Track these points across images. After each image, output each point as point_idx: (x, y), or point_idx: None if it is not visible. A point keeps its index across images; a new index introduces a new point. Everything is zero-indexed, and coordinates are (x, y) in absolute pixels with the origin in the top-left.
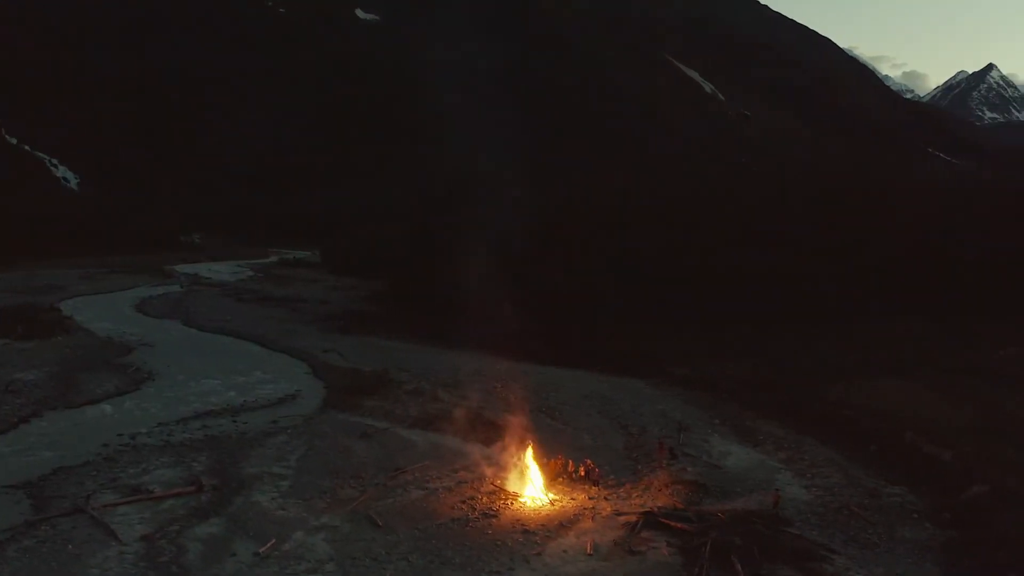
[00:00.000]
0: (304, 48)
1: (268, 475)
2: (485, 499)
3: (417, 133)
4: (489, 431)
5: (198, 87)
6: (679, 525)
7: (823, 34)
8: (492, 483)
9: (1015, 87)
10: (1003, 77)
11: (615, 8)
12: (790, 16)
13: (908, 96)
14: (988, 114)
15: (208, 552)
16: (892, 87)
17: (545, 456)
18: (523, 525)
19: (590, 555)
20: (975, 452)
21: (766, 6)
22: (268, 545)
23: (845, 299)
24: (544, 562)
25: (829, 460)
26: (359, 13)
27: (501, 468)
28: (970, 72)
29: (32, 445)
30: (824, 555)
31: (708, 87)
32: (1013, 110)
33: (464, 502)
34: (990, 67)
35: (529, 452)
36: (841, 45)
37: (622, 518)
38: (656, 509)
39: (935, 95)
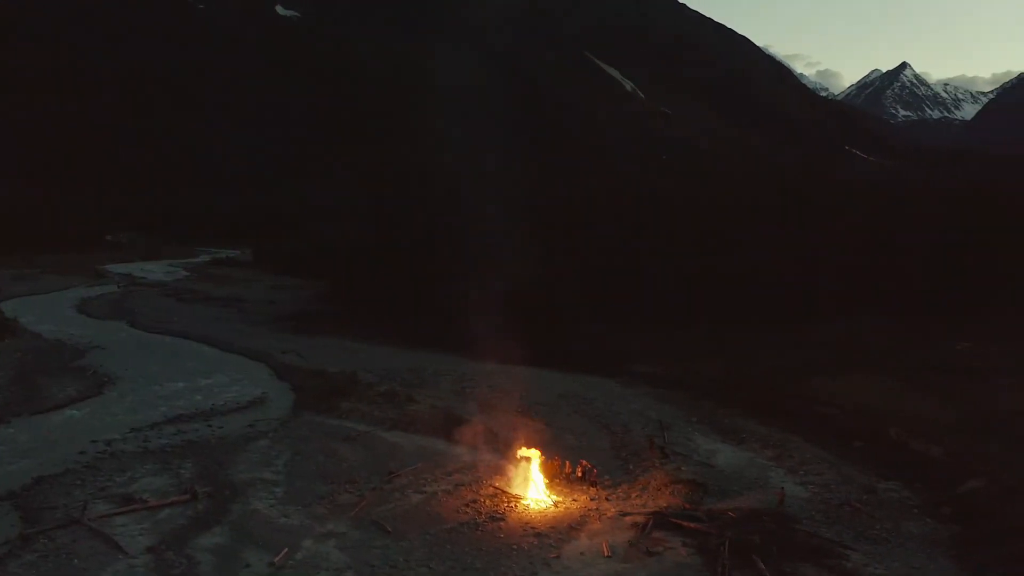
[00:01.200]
0: (225, 45)
1: (260, 481)
2: (488, 502)
3: (344, 132)
4: (471, 432)
5: (120, 86)
6: (691, 525)
7: (740, 32)
8: (493, 485)
9: (928, 85)
10: (916, 76)
11: (534, 6)
12: (708, 15)
13: (823, 94)
14: (902, 112)
15: (220, 563)
16: (808, 85)
17: (539, 458)
18: (533, 528)
19: (608, 557)
20: (964, 448)
21: (684, 5)
22: (281, 555)
23: (798, 298)
24: (564, 565)
25: (818, 457)
26: (279, 10)
27: (495, 470)
28: (884, 71)
29: (5, 454)
30: (840, 552)
31: (628, 85)
32: (926, 108)
33: (467, 505)
34: (903, 66)
35: (526, 454)
36: (757, 43)
37: (628, 518)
38: (665, 509)
39: (849, 93)
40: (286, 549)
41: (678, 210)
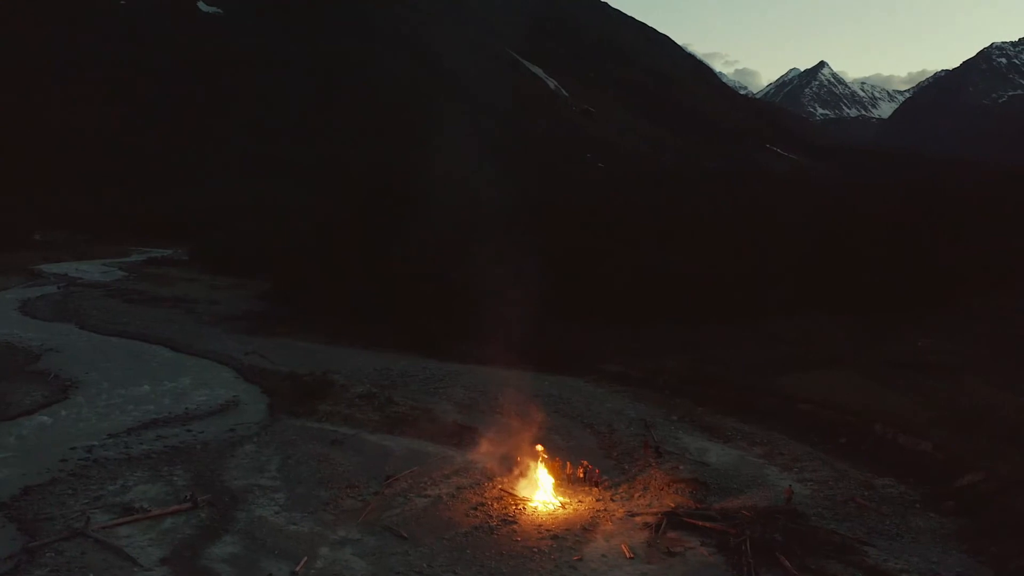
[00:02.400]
0: (149, 41)
1: (258, 487)
2: (496, 505)
3: (268, 130)
4: (456, 434)
5: (42, 82)
6: (706, 524)
7: (661, 31)
8: (498, 488)
9: (845, 84)
10: (834, 74)
11: (457, 5)
12: (629, 14)
13: (743, 92)
14: (820, 110)
15: (239, 573)
16: (727, 84)
17: (531, 459)
18: (547, 530)
19: (631, 559)
20: (950, 442)
21: (606, 3)
22: (302, 563)
23: (750, 296)
24: (590, 567)
25: (808, 454)
26: (201, 6)
27: (493, 472)
28: (802, 69)
29: None
30: (859, 548)
31: (552, 84)
32: (843, 107)
33: (476, 509)
34: (821, 64)
35: (524, 456)
36: (678, 43)
37: (638, 518)
38: (677, 509)
39: (768, 92)
40: (306, 558)
41: (628, 212)
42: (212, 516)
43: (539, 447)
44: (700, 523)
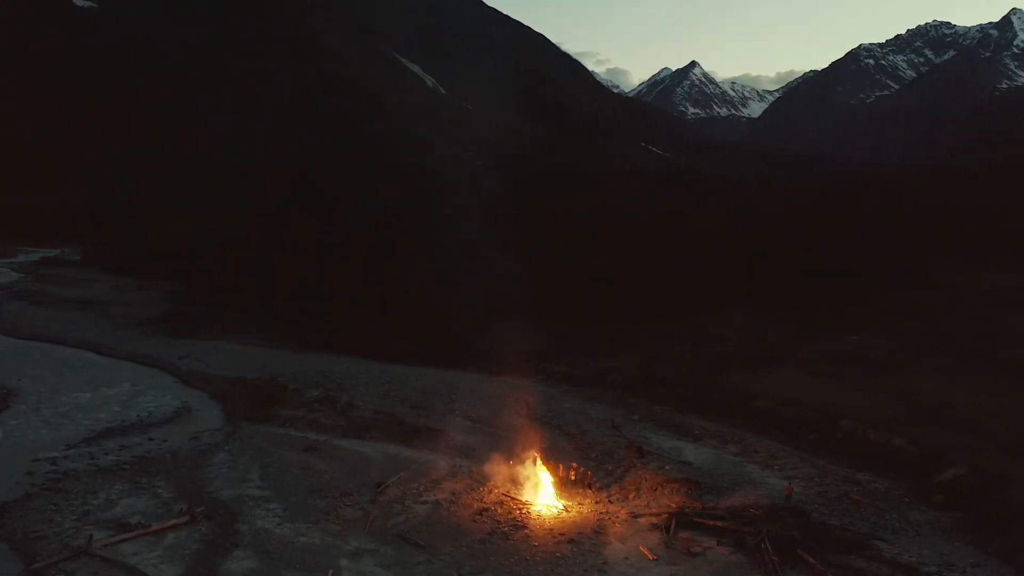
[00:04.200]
0: (21, 35)
1: (248, 498)
2: (499, 509)
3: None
4: (428, 437)
5: None
6: (717, 523)
7: (536, 30)
8: (497, 492)
9: (716, 84)
10: (705, 74)
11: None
12: (504, 11)
13: (615, 91)
14: (691, 109)
15: None
16: (600, 82)
17: (523, 462)
18: (561, 534)
19: (655, 560)
20: (922, 437)
21: (482, 2)
22: None
23: (669, 294)
24: (618, 571)
25: (782, 451)
26: (76, 1)
27: (485, 477)
28: (673, 69)
29: None
30: (872, 543)
31: (430, 81)
32: (714, 106)
33: (481, 514)
34: (693, 64)
35: (521, 459)
36: (552, 40)
37: (642, 519)
38: (683, 509)
39: (640, 90)
40: (331, 571)
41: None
42: (213, 529)
43: (504, 451)
44: (711, 523)
